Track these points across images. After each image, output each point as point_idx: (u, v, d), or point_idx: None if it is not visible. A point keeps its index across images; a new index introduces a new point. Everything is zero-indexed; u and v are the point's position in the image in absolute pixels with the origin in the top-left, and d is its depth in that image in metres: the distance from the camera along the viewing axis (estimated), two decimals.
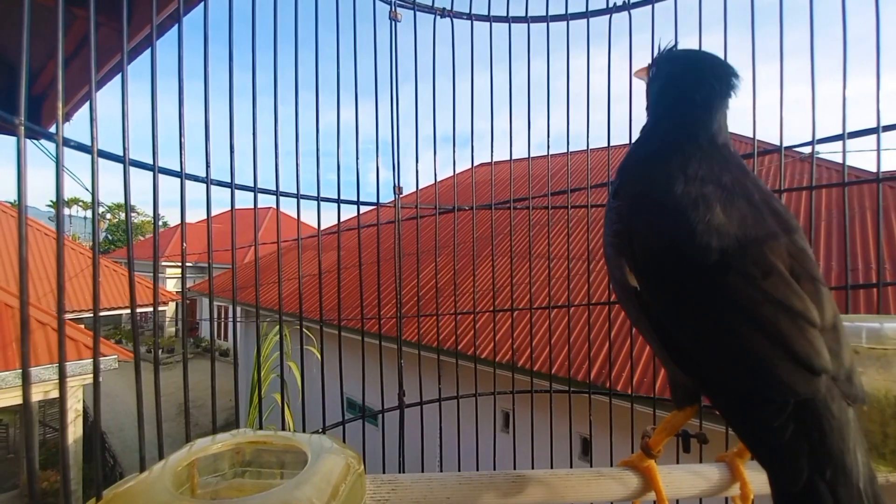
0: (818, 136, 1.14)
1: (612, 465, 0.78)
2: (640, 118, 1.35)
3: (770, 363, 0.49)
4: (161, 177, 0.69)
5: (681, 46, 0.73)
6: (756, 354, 0.50)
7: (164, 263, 14.94)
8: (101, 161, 0.58)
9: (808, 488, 0.46)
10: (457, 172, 1.47)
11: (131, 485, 0.48)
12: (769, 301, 0.51)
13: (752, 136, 1.28)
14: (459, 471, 0.76)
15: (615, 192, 0.70)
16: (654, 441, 0.73)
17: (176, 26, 0.78)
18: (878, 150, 1.08)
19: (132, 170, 0.64)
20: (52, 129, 0.53)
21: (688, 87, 0.67)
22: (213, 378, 0.80)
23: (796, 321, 0.50)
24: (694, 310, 0.55)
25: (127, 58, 0.66)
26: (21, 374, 0.47)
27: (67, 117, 1.90)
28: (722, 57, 0.69)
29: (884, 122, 1.06)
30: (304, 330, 1.07)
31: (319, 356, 1.16)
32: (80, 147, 0.55)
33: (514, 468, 0.85)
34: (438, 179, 1.41)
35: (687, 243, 0.56)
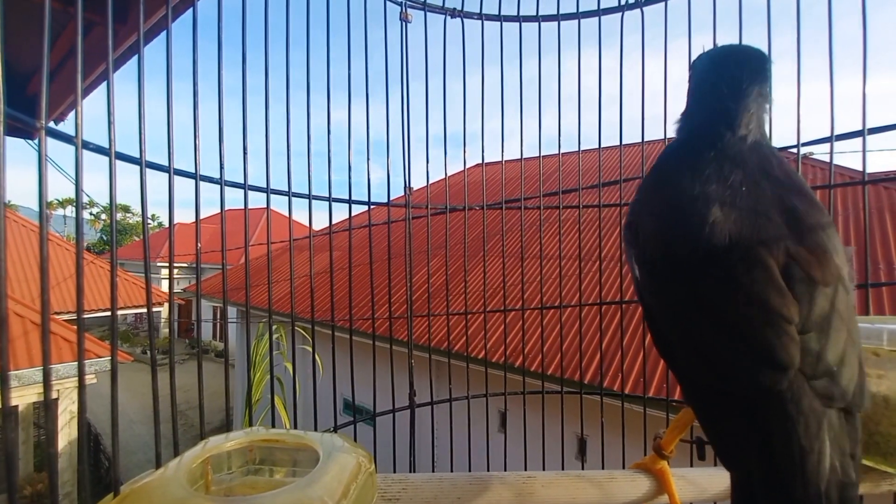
0: (823, 136, 1.12)
1: (623, 468, 0.77)
2: (652, 116, 1.34)
3: (730, 356, 0.50)
4: (162, 176, 0.69)
5: (702, 44, 0.73)
6: (717, 346, 0.51)
7: (160, 264, 15.12)
8: (97, 160, 0.59)
9: (762, 483, 0.46)
10: (466, 168, 1.47)
11: (147, 481, 0.49)
12: (744, 295, 0.51)
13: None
14: (469, 471, 0.76)
15: (638, 187, 0.72)
16: (666, 441, 0.73)
17: (187, 28, 0.79)
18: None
19: (135, 170, 0.64)
20: (65, 131, 0.54)
21: (707, 82, 0.66)
22: (227, 378, 0.81)
23: (768, 316, 0.49)
24: (673, 301, 0.57)
25: (143, 62, 0.67)
26: (18, 374, 0.48)
27: (62, 117, 1.94)
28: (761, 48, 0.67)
29: None
30: (293, 330, 1.08)
31: (319, 358, 1.16)
32: (98, 150, 0.56)
33: (525, 469, 0.85)
34: (444, 178, 1.41)
35: (677, 237, 0.58)
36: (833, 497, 0.44)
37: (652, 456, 0.73)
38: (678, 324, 0.56)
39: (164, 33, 0.72)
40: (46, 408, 0.51)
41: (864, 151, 1.10)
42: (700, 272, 0.54)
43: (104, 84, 0.59)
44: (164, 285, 15.77)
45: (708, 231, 0.54)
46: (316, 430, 0.81)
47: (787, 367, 0.47)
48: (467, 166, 1.49)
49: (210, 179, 0.80)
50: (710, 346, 0.51)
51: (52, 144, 0.52)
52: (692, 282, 0.54)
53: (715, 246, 0.54)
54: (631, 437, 1.34)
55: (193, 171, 0.73)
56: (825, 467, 0.45)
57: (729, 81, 0.63)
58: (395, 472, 0.89)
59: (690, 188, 0.59)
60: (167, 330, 18.20)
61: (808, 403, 0.47)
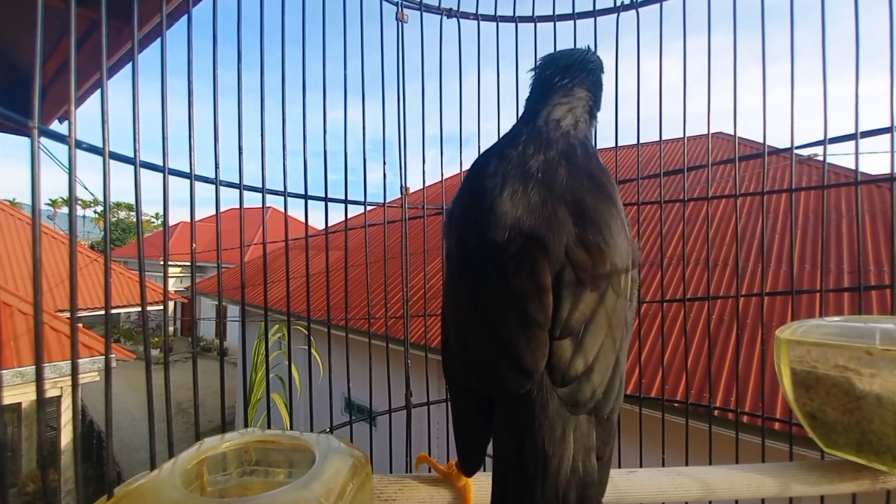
0: (822, 137, 1.12)
1: (619, 467, 0.77)
2: (647, 117, 1.34)
3: (486, 357, 0.50)
4: (156, 175, 0.69)
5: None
6: (476, 345, 0.52)
7: (160, 263, 15.02)
8: (97, 160, 0.58)
9: (513, 485, 0.47)
10: (463, 170, 1.47)
11: (142, 482, 0.49)
12: (506, 296, 0.51)
13: (762, 137, 1.27)
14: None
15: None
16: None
17: (184, 27, 0.78)
18: (893, 150, 1.06)
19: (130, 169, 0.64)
20: (56, 130, 0.54)
21: (533, 81, 0.74)
22: (223, 377, 0.81)
23: (523, 320, 0.50)
24: (453, 293, 0.57)
25: (137, 61, 0.66)
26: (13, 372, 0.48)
27: (66, 116, 1.93)
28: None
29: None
30: (308, 330, 1.08)
31: (319, 358, 1.16)
32: (91, 149, 0.56)
33: None
34: (441, 180, 1.41)
35: (469, 227, 0.58)
36: (571, 497, 0.45)
37: (456, 473, 0.67)
38: (449, 324, 0.56)
39: (173, 32, 0.72)
40: (39, 406, 0.50)
41: (856, 154, 1.11)
42: (477, 266, 0.54)
43: (108, 83, 0.59)
44: (171, 284, 15.65)
45: (494, 222, 0.54)
46: (332, 428, 0.81)
47: (531, 372, 0.48)
48: (464, 168, 1.49)
49: (205, 179, 0.79)
50: (471, 344, 0.52)
51: (55, 144, 0.52)
52: (469, 275, 0.55)
53: (496, 239, 0.54)
54: (626, 436, 1.34)
55: (188, 171, 0.73)
56: (566, 469, 0.46)
57: (537, 81, 0.72)
58: (391, 472, 0.88)
59: (493, 174, 0.59)
60: (171, 328, 18.12)
61: (553, 408, 0.48)
